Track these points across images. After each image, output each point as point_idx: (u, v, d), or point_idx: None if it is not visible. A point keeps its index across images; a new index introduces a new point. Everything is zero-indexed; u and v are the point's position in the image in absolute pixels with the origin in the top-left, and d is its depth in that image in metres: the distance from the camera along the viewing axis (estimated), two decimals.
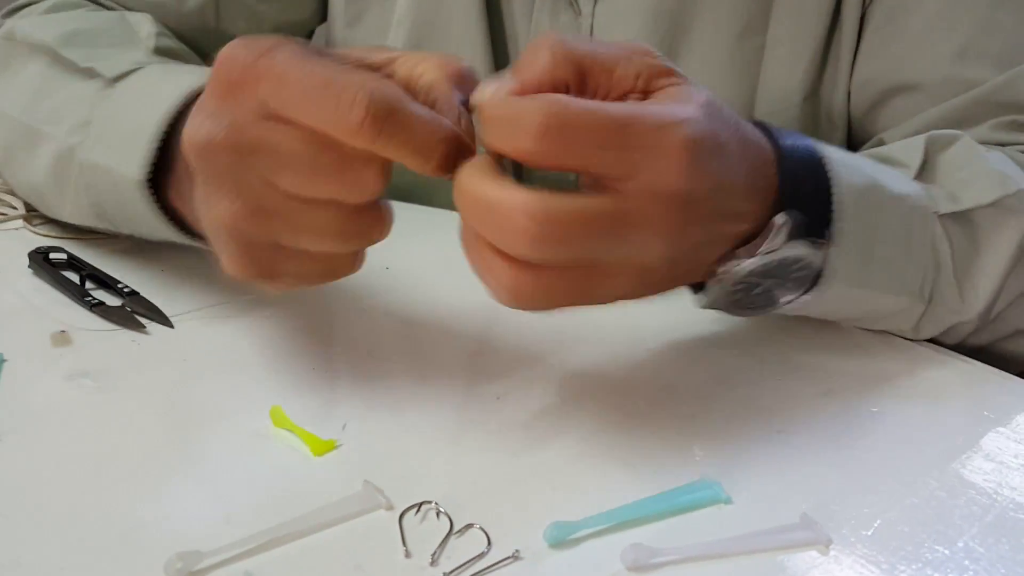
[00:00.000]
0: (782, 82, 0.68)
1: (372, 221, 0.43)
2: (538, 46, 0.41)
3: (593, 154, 0.39)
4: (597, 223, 0.39)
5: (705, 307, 0.49)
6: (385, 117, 0.38)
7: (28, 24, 0.63)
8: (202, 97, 0.43)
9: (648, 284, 0.44)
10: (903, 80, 0.66)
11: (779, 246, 0.45)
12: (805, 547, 0.39)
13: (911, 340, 0.56)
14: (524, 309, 0.42)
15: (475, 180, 0.40)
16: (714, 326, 0.56)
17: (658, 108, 0.40)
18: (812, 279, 0.48)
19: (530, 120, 0.38)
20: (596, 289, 0.42)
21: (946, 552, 0.39)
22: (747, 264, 0.45)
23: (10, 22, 0.65)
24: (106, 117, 0.55)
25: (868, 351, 0.55)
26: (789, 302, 0.49)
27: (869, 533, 0.39)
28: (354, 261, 0.45)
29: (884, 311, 0.54)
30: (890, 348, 0.56)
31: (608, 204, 0.39)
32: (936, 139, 0.57)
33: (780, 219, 0.45)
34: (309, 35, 0.83)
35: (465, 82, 0.43)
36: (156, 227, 0.53)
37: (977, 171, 0.55)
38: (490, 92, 0.41)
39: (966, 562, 0.38)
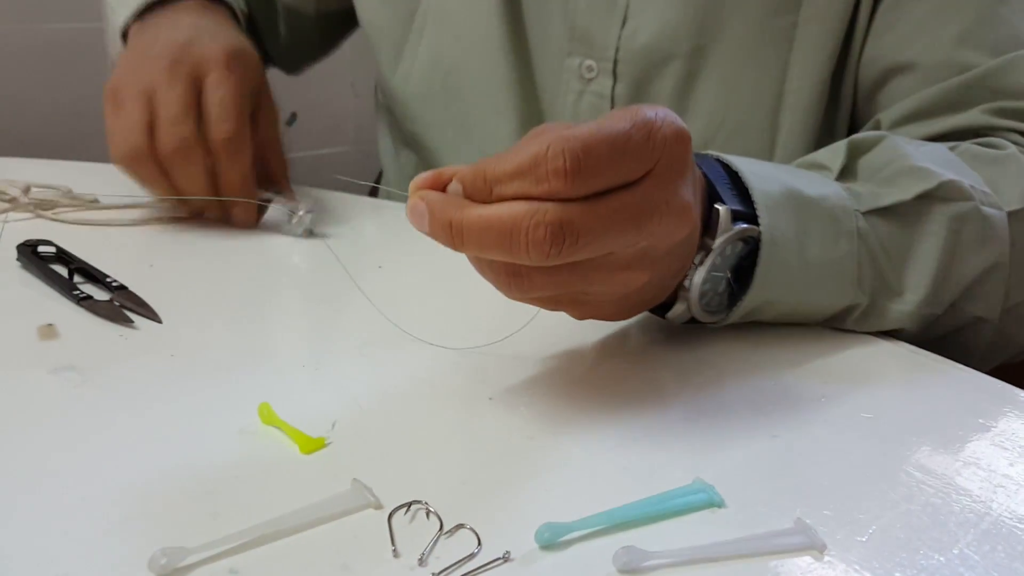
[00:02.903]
0: (811, 62, 0.69)
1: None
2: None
3: (617, 165, 0.41)
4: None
5: (677, 319, 0.53)
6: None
7: None
8: None
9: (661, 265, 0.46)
10: (903, 60, 0.67)
11: (731, 229, 0.49)
12: (799, 552, 0.38)
13: (892, 339, 0.57)
14: (569, 251, 0.41)
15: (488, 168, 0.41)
16: (708, 332, 0.56)
17: (644, 110, 0.42)
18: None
19: (552, 162, 0.39)
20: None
21: (941, 559, 0.38)
22: (708, 260, 0.49)
23: None
24: None
25: (864, 357, 0.55)
26: (741, 300, 0.52)
27: (864, 539, 0.39)
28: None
29: (825, 308, 0.55)
30: (886, 355, 0.55)
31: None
32: (858, 143, 0.59)
33: (721, 208, 0.49)
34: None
35: None
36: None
37: (899, 169, 0.56)
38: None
39: (961, 569, 0.38)
